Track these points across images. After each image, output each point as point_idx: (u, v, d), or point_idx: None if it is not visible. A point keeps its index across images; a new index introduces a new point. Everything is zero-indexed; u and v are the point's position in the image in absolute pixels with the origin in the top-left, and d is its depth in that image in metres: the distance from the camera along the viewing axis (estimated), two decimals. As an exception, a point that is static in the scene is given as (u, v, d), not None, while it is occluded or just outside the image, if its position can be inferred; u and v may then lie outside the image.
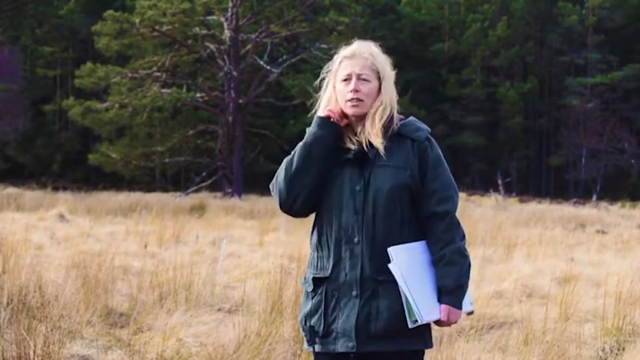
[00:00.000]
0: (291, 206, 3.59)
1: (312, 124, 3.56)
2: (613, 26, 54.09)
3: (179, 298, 7.79)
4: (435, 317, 3.49)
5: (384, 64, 3.60)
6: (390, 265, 3.44)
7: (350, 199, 3.50)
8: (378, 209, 3.48)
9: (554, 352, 6.41)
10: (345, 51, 3.62)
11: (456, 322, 3.57)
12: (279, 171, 3.62)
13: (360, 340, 3.47)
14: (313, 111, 3.66)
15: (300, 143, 3.56)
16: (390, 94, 3.57)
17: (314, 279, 3.57)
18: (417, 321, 3.44)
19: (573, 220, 24.83)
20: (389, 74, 3.60)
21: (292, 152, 3.60)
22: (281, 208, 3.63)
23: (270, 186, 3.67)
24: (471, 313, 3.66)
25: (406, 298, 3.44)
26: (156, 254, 12.17)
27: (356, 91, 3.53)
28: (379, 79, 3.57)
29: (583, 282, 10.47)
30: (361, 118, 3.56)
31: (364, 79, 3.55)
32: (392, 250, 3.46)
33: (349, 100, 3.54)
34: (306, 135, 3.56)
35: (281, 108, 44.30)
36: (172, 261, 9.19)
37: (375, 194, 3.49)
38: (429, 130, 3.61)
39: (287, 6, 38.84)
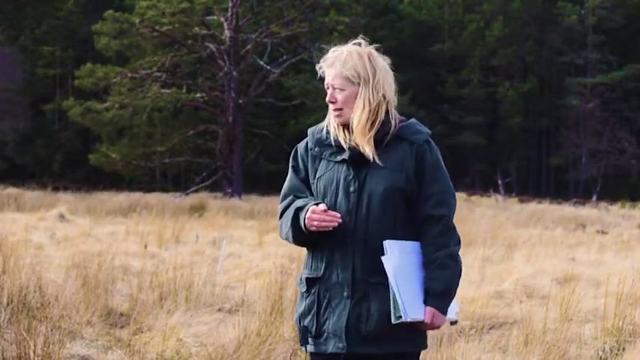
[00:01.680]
0: (303, 246, 3.67)
1: (303, 219, 3.48)
2: (613, 26, 54.08)
3: (179, 298, 7.79)
4: (420, 318, 3.45)
5: (360, 68, 3.52)
6: (382, 257, 3.43)
7: (344, 199, 3.49)
8: (371, 211, 3.47)
9: (554, 353, 6.41)
10: (325, 59, 3.61)
11: (439, 328, 3.53)
12: (281, 231, 3.64)
13: (350, 342, 3.47)
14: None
15: (290, 224, 3.54)
16: (371, 98, 3.51)
17: (307, 279, 3.58)
18: (400, 317, 3.41)
19: (573, 220, 24.84)
20: (370, 77, 3.52)
21: (287, 218, 3.57)
22: None
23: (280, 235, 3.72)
24: (454, 322, 3.63)
25: (393, 293, 3.42)
26: (156, 254, 12.17)
27: (331, 102, 3.55)
28: (355, 84, 3.52)
29: (583, 282, 10.48)
30: (346, 122, 3.57)
31: (338, 89, 3.54)
32: (387, 244, 3.44)
33: (333, 110, 3.56)
34: (302, 224, 3.50)
35: (281, 108, 44.27)
36: (172, 261, 9.19)
37: (370, 196, 3.48)
38: (430, 132, 3.59)
39: (287, 6, 38.82)
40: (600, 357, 7.03)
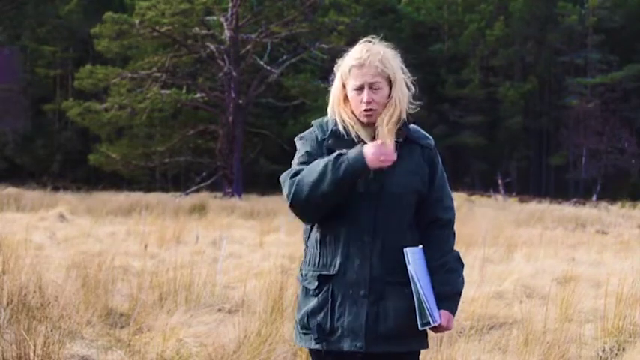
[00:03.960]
0: (312, 221, 3.58)
1: (355, 160, 3.40)
2: (613, 26, 54.09)
3: (179, 298, 7.79)
4: (439, 321, 3.52)
5: (395, 66, 3.58)
6: (408, 266, 3.47)
7: (363, 199, 3.50)
8: (390, 212, 3.50)
9: (554, 353, 6.41)
10: (354, 58, 3.56)
11: (450, 329, 3.61)
12: (301, 189, 3.45)
13: (368, 340, 3.48)
14: (329, 116, 3.63)
15: (330, 170, 3.40)
16: (399, 96, 3.56)
17: (319, 276, 3.55)
18: (428, 323, 3.48)
19: (573, 220, 24.83)
20: (399, 76, 3.58)
21: (315, 170, 3.44)
22: (299, 217, 3.58)
23: (286, 195, 3.52)
24: None
25: (419, 299, 3.47)
26: (156, 254, 12.17)
27: (369, 102, 3.53)
28: (390, 82, 3.57)
29: (583, 282, 10.47)
30: (375, 122, 3.58)
31: (376, 88, 3.54)
32: (408, 251, 3.48)
33: (364, 110, 3.54)
34: (344, 165, 3.40)
35: (281, 108, 44.28)
36: (172, 261, 9.19)
37: (389, 197, 3.50)
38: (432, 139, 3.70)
39: (287, 6, 38.83)
40: (600, 357, 7.03)
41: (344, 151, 3.46)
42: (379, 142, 3.44)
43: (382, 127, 3.52)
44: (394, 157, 3.44)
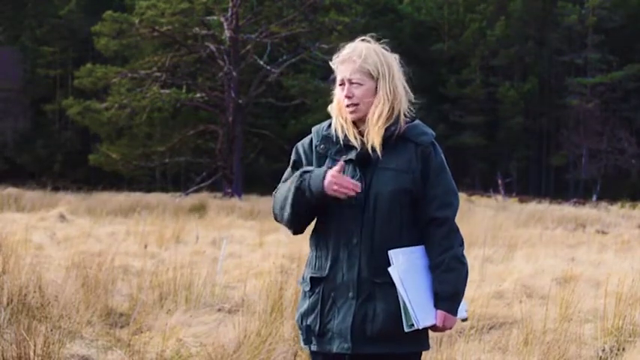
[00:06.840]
0: (297, 231, 3.63)
1: (316, 176, 3.43)
2: (613, 26, 54.08)
3: (179, 298, 7.79)
4: (431, 322, 3.48)
5: (379, 63, 3.54)
6: (389, 269, 3.43)
7: (351, 201, 3.48)
8: (378, 212, 3.47)
9: (554, 353, 6.41)
10: (338, 56, 3.60)
11: (450, 329, 3.56)
12: (276, 203, 3.59)
13: (355, 342, 3.47)
14: (329, 108, 3.64)
15: (294, 186, 3.47)
16: (389, 92, 3.52)
17: (311, 278, 3.57)
18: (412, 325, 3.44)
19: (573, 220, 24.82)
20: (387, 73, 3.54)
21: (286, 186, 3.52)
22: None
23: (273, 212, 3.66)
24: (465, 319, 3.65)
25: (403, 302, 3.43)
26: (156, 254, 12.17)
27: (348, 97, 3.53)
28: (374, 79, 3.54)
29: (583, 282, 10.47)
30: (364, 119, 3.55)
31: (356, 83, 3.52)
32: (392, 253, 3.44)
33: (346, 106, 3.54)
34: (306, 184, 3.44)
35: (281, 108, 44.27)
36: (172, 261, 9.19)
37: (376, 197, 3.47)
38: (434, 134, 3.60)
39: (287, 6, 38.83)
40: (600, 357, 7.02)
41: (310, 168, 3.49)
42: (341, 171, 3.40)
43: (370, 125, 3.50)
44: (351, 189, 3.39)
